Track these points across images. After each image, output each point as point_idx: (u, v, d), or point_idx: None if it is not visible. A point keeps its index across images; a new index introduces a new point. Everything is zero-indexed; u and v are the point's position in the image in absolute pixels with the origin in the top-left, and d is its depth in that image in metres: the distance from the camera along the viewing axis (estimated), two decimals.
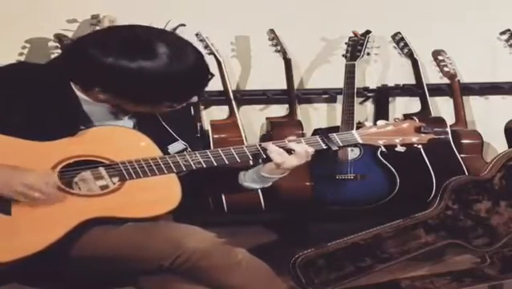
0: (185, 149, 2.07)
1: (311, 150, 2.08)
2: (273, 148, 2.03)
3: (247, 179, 2.11)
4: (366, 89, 4.14)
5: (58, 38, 3.65)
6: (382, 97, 4.16)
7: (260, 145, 2.04)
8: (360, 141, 2.14)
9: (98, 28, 3.61)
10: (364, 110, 4.18)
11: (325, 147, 2.11)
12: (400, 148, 2.18)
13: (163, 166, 1.96)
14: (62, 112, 1.94)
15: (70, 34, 3.74)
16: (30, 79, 1.97)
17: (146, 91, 1.92)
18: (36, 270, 1.87)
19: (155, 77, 1.88)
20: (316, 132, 3.92)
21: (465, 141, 3.95)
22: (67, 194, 1.89)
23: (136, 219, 1.91)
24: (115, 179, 1.94)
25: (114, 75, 1.88)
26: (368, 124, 2.20)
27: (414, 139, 2.18)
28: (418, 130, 2.19)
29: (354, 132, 2.16)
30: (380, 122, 2.20)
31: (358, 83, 3.86)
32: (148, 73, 1.87)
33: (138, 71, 1.87)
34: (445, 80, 4.11)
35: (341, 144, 2.12)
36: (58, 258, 1.87)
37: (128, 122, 2.06)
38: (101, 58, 1.87)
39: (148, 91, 1.92)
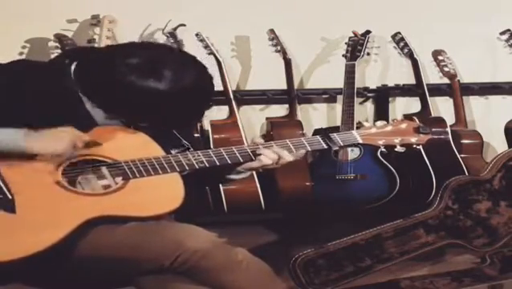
0: (187, 148, 2.07)
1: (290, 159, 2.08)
2: (266, 152, 2.05)
3: None
4: (366, 89, 4.14)
5: (58, 38, 3.65)
6: (382, 97, 4.17)
7: (251, 150, 2.06)
8: (361, 141, 2.16)
9: (98, 28, 3.64)
10: (364, 110, 4.18)
11: (326, 147, 2.11)
12: (399, 149, 2.19)
13: (166, 165, 1.96)
14: (64, 111, 1.94)
15: (70, 34, 3.75)
16: (32, 76, 1.97)
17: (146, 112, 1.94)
18: (38, 269, 1.87)
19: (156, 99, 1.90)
20: (317, 132, 3.92)
21: (465, 141, 3.95)
22: (70, 193, 1.89)
23: (139, 218, 1.91)
24: (118, 178, 1.94)
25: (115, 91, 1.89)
26: (368, 124, 2.21)
27: (413, 139, 2.19)
28: (417, 130, 2.20)
29: (354, 132, 2.17)
30: (380, 122, 2.21)
31: (358, 83, 3.87)
32: (152, 94, 1.89)
33: (146, 91, 1.88)
34: (445, 80, 4.12)
35: (342, 144, 2.13)
36: (60, 257, 1.86)
37: None
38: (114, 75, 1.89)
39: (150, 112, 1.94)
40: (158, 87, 1.90)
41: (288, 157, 2.07)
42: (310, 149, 2.11)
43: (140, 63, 1.91)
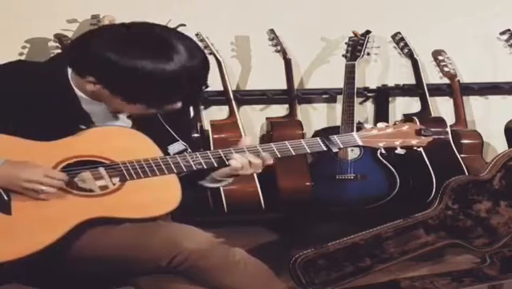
0: (185, 150, 2.07)
1: (270, 162, 2.07)
2: (236, 156, 2.02)
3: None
4: (366, 89, 4.14)
5: (58, 38, 3.65)
6: (382, 97, 4.17)
7: (224, 153, 2.03)
8: (361, 143, 2.15)
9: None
10: (364, 110, 4.18)
11: (325, 149, 2.11)
12: (399, 151, 2.19)
13: (163, 167, 1.96)
14: (62, 111, 1.94)
15: (70, 34, 3.74)
16: (29, 77, 1.97)
17: (143, 91, 1.93)
18: (36, 270, 1.87)
19: (153, 78, 1.89)
20: (317, 133, 3.92)
21: (465, 141, 3.95)
22: (67, 194, 1.89)
23: (136, 220, 1.91)
24: (116, 179, 1.93)
25: (114, 69, 1.88)
26: (369, 125, 2.21)
27: (414, 142, 2.19)
28: (418, 133, 2.19)
29: (354, 133, 2.16)
30: (380, 124, 2.21)
31: (358, 83, 3.86)
32: (148, 73, 1.87)
33: (140, 70, 1.87)
34: (445, 80, 4.12)
35: (341, 146, 2.13)
36: (57, 258, 1.87)
37: (127, 122, 2.06)
38: (106, 51, 1.87)
39: (146, 90, 1.92)
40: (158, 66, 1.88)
41: (256, 160, 2.02)
42: (309, 151, 2.11)
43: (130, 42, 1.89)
